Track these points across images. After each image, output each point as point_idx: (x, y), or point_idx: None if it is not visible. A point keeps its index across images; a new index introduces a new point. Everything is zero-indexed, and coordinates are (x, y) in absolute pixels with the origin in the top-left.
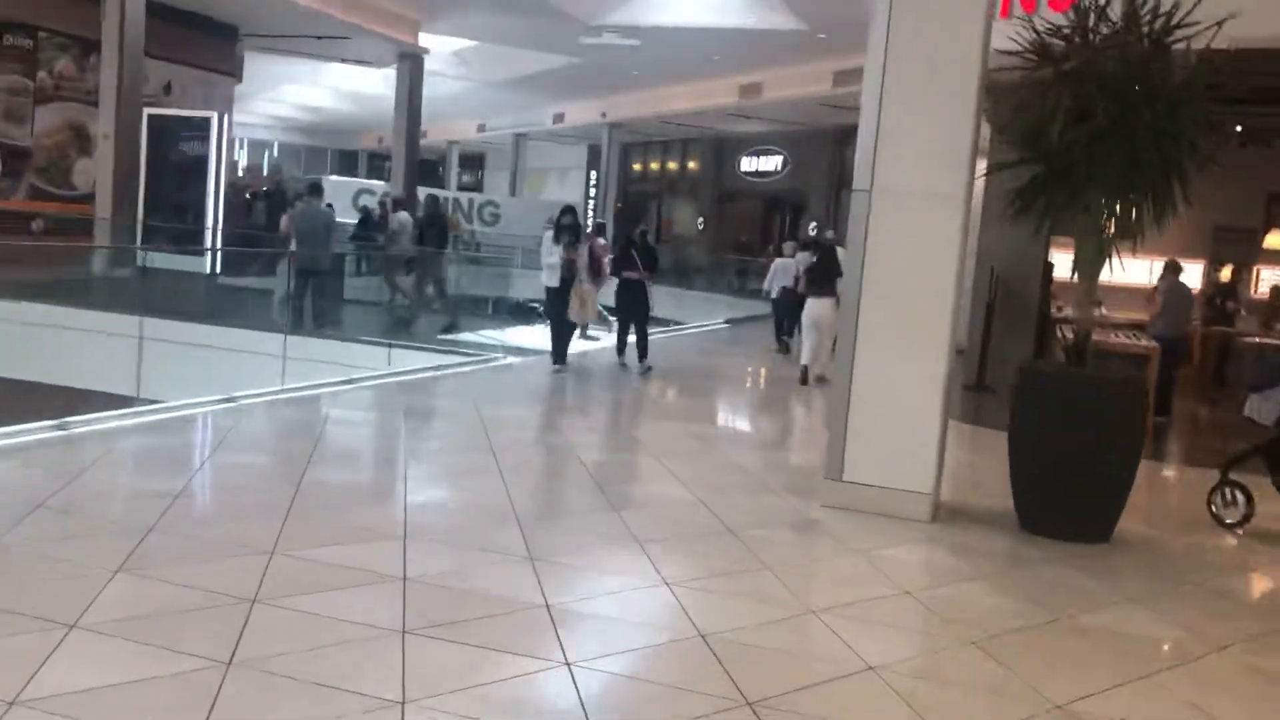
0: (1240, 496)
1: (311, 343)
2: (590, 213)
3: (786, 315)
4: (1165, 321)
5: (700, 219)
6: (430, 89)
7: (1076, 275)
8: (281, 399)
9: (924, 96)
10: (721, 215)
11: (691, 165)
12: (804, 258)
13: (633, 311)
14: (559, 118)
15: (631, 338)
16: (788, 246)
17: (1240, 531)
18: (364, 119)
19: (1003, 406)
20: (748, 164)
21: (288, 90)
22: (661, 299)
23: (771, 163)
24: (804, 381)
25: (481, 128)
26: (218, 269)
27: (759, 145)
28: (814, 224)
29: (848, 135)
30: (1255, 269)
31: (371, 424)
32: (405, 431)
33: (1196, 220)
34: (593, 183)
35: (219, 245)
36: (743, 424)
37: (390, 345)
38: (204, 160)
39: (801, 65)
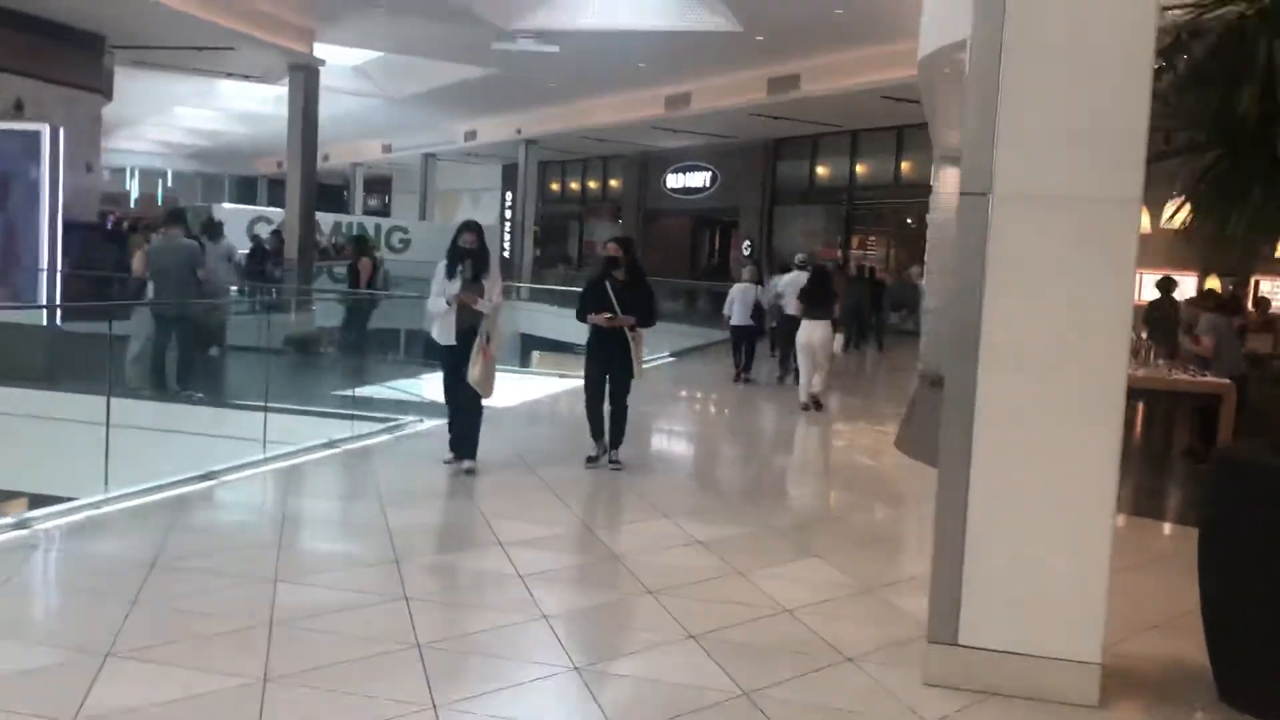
0: None
1: (165, 410)
2: (506, 236)
3: (745, 341)
4: (1227, 354)
5: None
6: (330, 107)
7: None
8: (103, 514)
9: (1071, 54)
10: (648, 236)
11: (614, 183)
12: (790, 279)
13: (606, 373)
14: (470, 135)
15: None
16: (746, 271)
17: None
18: (261, 142)
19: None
20: (674, 181)
21: (180, 114)
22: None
23: (699, 179)
24: (805, 408)
25: (387, 148)
26: (56, 319)
27: (686, 161)
28: (747, 243)
29: (782, 148)
30: (1254, 280)
31: (221, 573)
32: (272, 601)
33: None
34: (508, 204)
35: (47, 288)
36: (761, 508)
37: (268, 409)
38: (33, 184)
39: (733, 73)
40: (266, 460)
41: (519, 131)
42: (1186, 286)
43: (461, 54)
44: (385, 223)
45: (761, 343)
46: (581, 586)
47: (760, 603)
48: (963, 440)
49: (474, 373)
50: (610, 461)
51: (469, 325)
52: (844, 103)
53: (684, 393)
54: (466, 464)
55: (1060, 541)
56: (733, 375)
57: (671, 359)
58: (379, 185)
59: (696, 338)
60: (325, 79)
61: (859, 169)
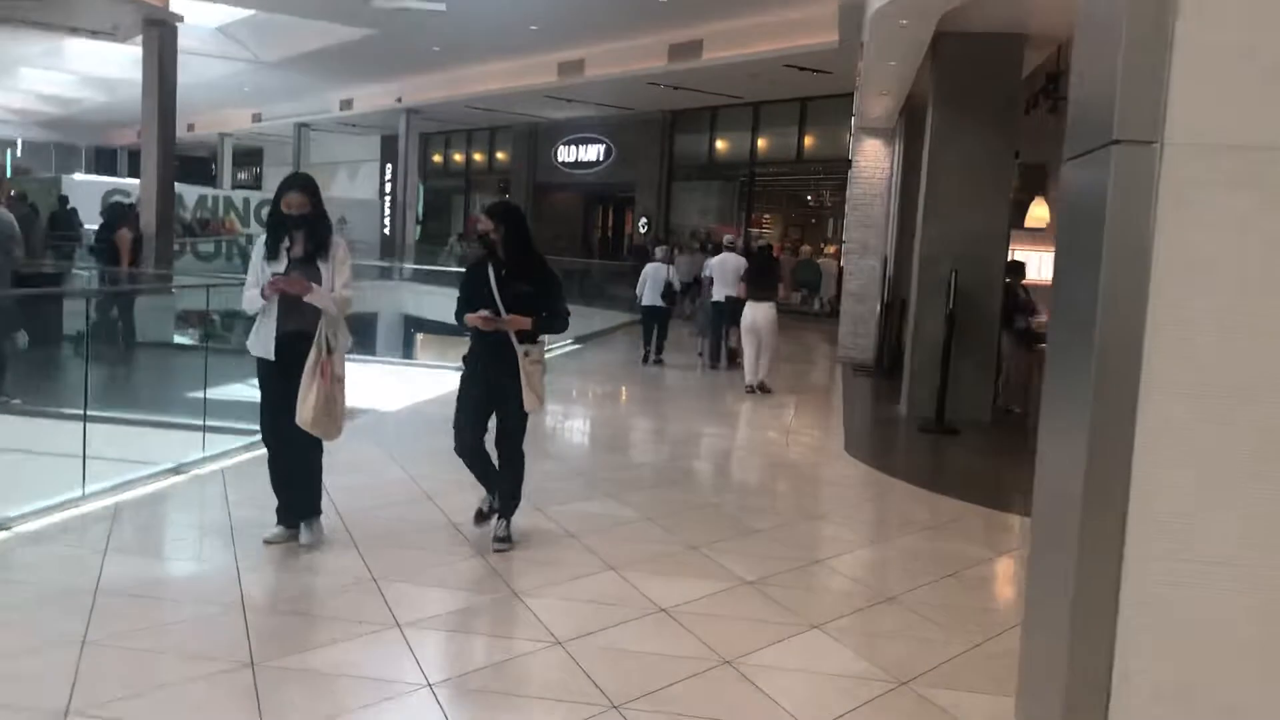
0: None
1: None
2: (388, 211)
3: (656, 322)
4: None
5: None
6: (193, 72)
7: None
8: None
9: None
10: (538, 211)
11: (501, 156)
12: (720, 261)
13: (487, 402)
14: (347, 104)
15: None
16: (658, 250)
17: None
18: (119, 110)
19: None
20: (565, 154)
21: (26, 76)
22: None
23: (593, 152)
24: (750, 391)
25: (257, 117)
26: None
27: (579, 133)
28: (644, 220)
29: (680, 121)
30: None
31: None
32: None
33: None
34: (388, 177)
35: None
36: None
37: (87, 419)
38: None
39: (632, 38)
40: (84, 499)
41: (399, 100)
42: None
43: (337, 13)
44: (255, 196)
45: (683, 325)
46: None
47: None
48: (1110, 488)
49: (304, 410)
50: (495, 540)
51: (297, 329)
52: (747, 72)
53: (603, 387)
54: (304, 537)
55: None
56: (641, 357)
57: (575, 346)
58: (250, 157)
59: (599, 321)
60: (187, 41)
61: (760, 143)
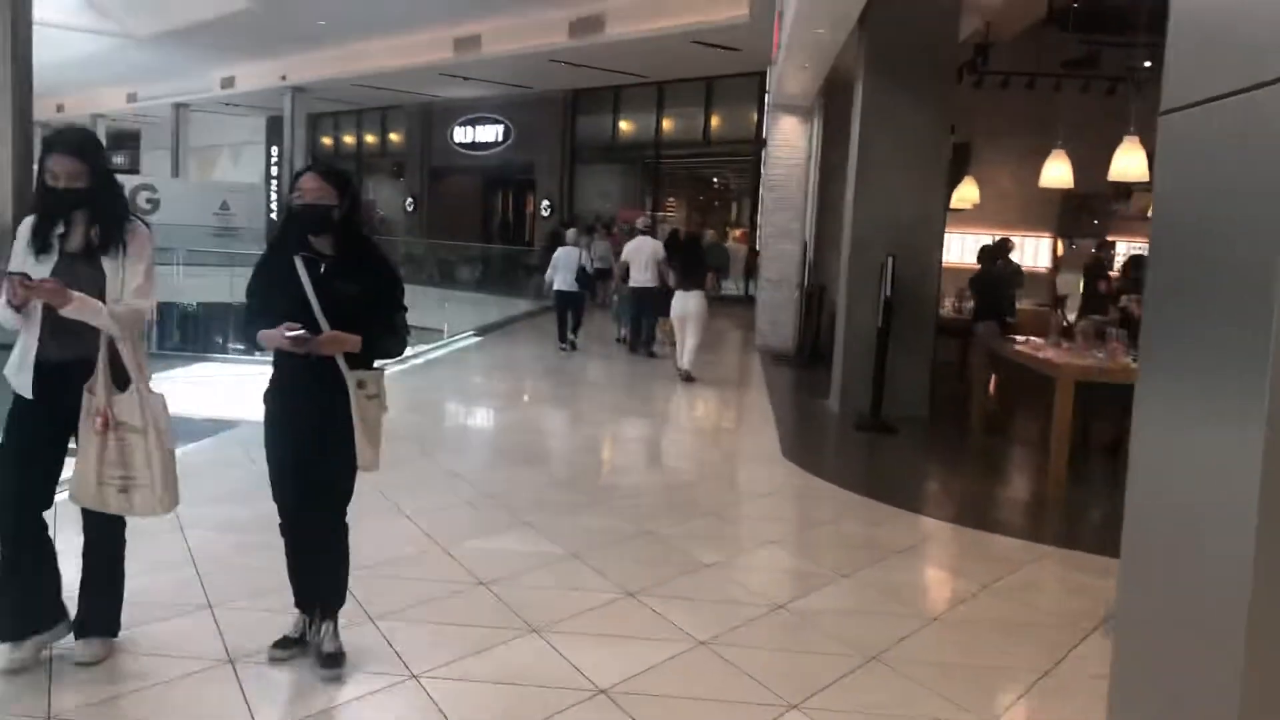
0: None
1: None
2: (274, 196)
3: (571, 307)
4: None
5: (409, 200)
6: (61, 47)
7: None
8: None
9: None
10: (434, 195)
11: (395, 138)
12: (636, 245)
13: (297, 456)
14: (228, 82)
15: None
16: (570, 234)
17: None
18: None
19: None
20: (462, 135)
21: None
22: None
23: (491, 133)
24: (685, 380)
25: (132, 97)
26: None
27: (475, 113)
28: (546, 202)
29: (582, 100)
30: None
31: None
32: None
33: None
34: (274, 160)
35: None
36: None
37: None
38: None
39: (531, 13)
40: None
41: (284, 78)
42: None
43: None
44: (131, 180)
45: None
46: None
47: None
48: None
49: (79, 481)
50: (323, 663)
51: (76, 355)
52: (652, 49)
53: (511, 385)
54: (81, 652)
55: None
56: (558, 347)
57: (475, 338)
58: (126, 140)
59: (498, 311)
60: (49, 13)
61: (665, 124)
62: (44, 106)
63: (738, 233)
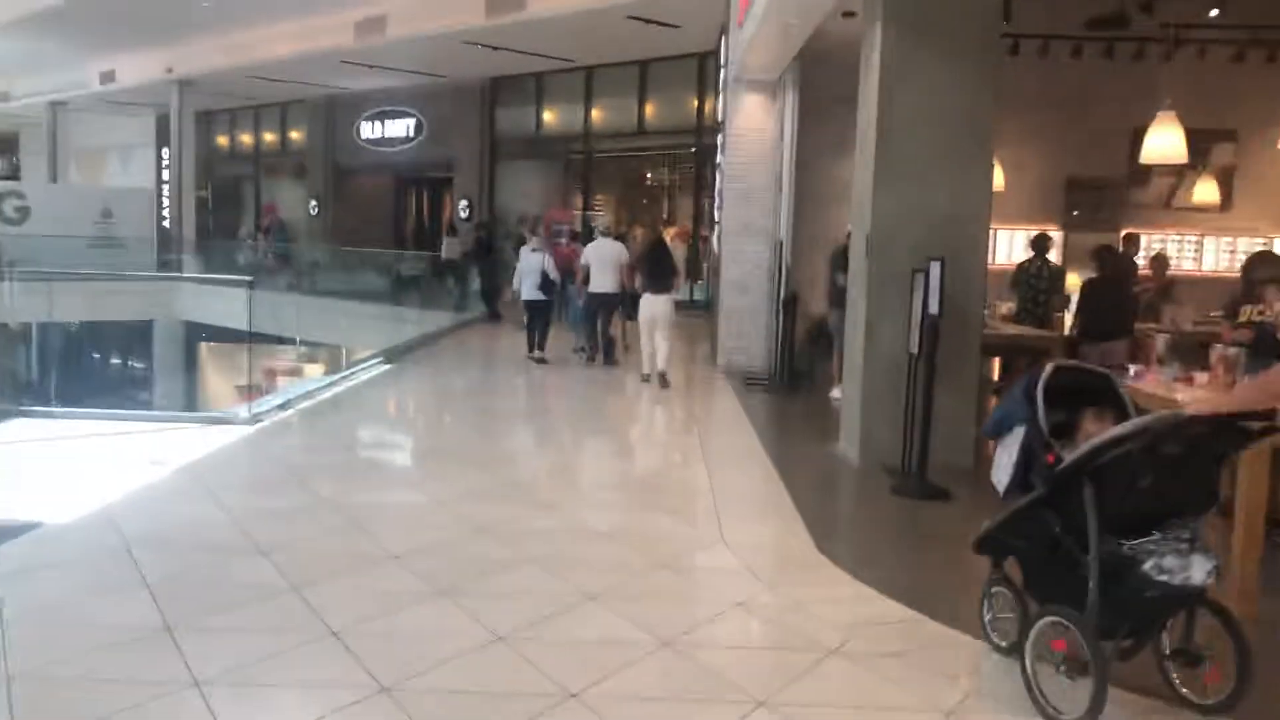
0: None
1: None
2: (164, 199)
3: (539, 316)
4: None
5: (313, 202)
6: None
7: None
8: None
9: None
10: (340, 196)
11: (295, 135)
12: (595, 248)
13: None
14: (108, 76)
15: None
16: (534, 240)
17: None
18: None
19: None
20: (369, 130)
21: None
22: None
23: (401, 127)
24: (662, 385)
25: (3, 95)
26: None
27: (383, 106)
28: (464, 202)
29: (502, 90)
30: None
31: None
32: None
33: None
34: (165, 162)
35: None
36: None
37: None
38: None
39: None
40: None
41: (170, 70)
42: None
43: None
44: None
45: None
46: None
47: None
48: None
49: None
50: None
51: None
52: (581, 27)
53: (437, 437)
54: None
55: None
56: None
57: (384, 365)
58: (4, 144)
59: (414, 327)
60: None
61: (595, 114)
62: None
63: (671, 231)
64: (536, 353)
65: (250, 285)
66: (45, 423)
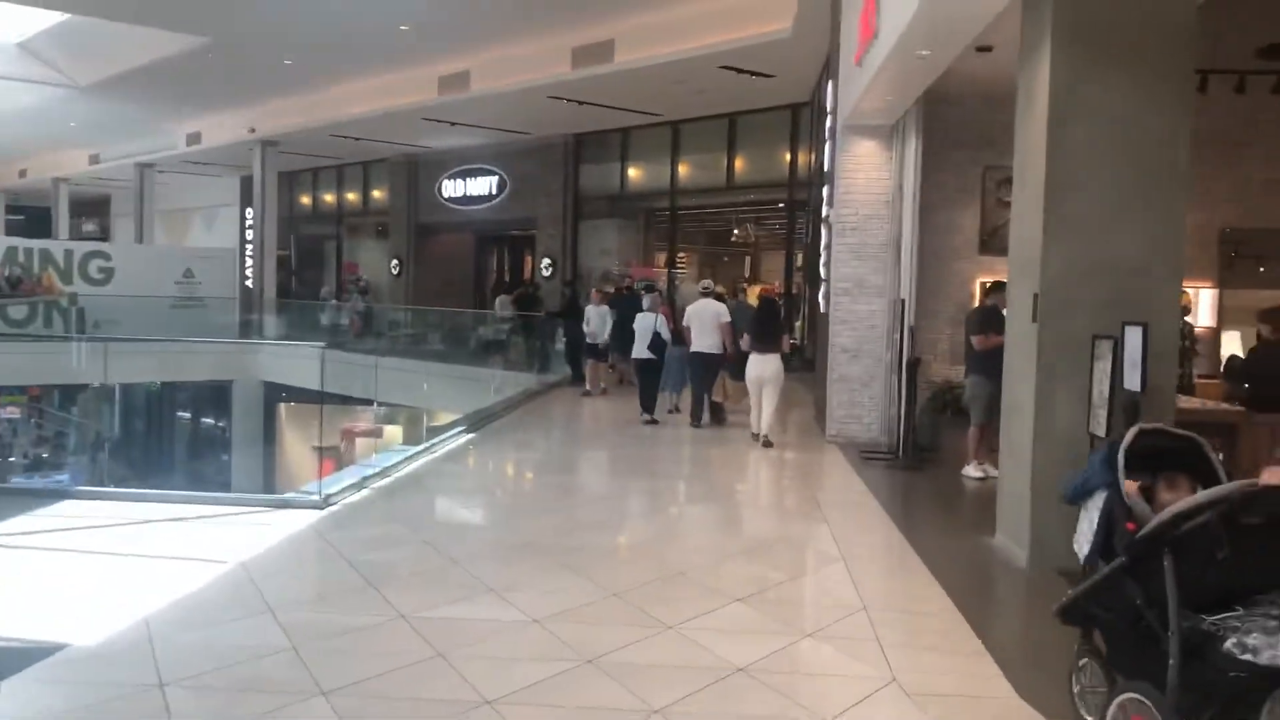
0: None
1: None
2: (247, 259)
3: (650, 376)
4: None
5: (394, 261)
6: (2, 103)
7: None
8: None
9: None
10: (422, 255)
11: (377, 194)
12: (697, 309)
13: None
14: (194, 138)
15: None
16: (647, 300)
17: None
18: None
19: None
20: (452, 188)
21: None
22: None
23: (484, 185)
24: (764, 445)
25: (95, 159)
26: None
27: (466, 164)
28: (547, 260)
29: (586, 146)
30: None
31: None
32: None
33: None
34: (249, 223)
35: None
36: None
37: None
38: None
39: (526, 41)
40: None
41: (252, 130)
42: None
43: (152, 12)
44: (81, 248)
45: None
46: None
47: None
48: None
49: None
50: None
51: None
52: (669, 78)
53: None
54: None
55: None
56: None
57: (466, 435)
58: (95, 207)
59: (500, 387)
60: None
61: (681, 169)
62: (5, 172)
63: (756, 289)
64: (646, 415)
65: (323, 350)
66: (95, 506)
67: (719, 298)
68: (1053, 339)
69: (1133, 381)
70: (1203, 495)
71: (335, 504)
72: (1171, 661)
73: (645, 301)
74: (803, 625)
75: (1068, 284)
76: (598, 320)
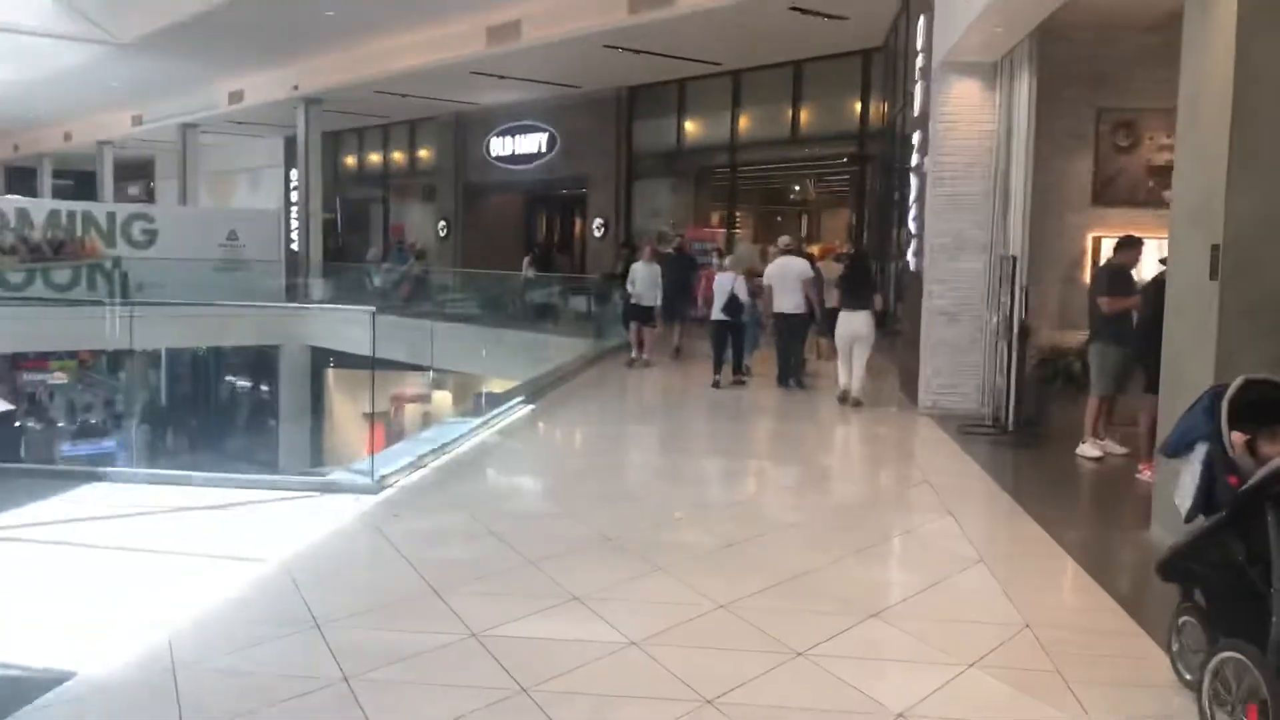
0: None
1: None
2: (294, 221)
3: (723, 337)
4: None
5: (442, 223)
6: (41, 61)
7: None
8: None
9: None
10: (470, 217)
11: (424, 154)
12: (778, 267)
13: None
14: (237, 96)
15: None
16: (727, 260)
17: None
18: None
19: None
20: (500, 146)
21: None
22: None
23: (533, 143)
24: (843, 400)
25: (137, 120)
26: None
27: (515, 120)
28: (599, 220)
29: (640, 100)
30: None
31: None
32: None
33: None
34: (293, 184)
35: None
36: None
37: None
38: None
39: None
40: None
41: (296, 88)
42: None
43: None
44: (123, 210)
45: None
46: None
47: None
48: None
49: None
50: None
51: None
52: (732, 21)
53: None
54: None
55: None
56: (711, 381)
57: (525, 406)
58: (140, 169)
59: (556, 353)
60: (20, 16)
61: (742, 122)
62: (50, 136)
63: (817, 249)
64: (718, 378)
65: (373, 314)
66: (123, 490)
67: (806, 256)
68: (1238, 301)
69: None
70: None
71: (390, 486)
72: (1275, 619)
73: (726, 261)
74: (960, 650)
75: (1261, 236)
76: (646, 279)
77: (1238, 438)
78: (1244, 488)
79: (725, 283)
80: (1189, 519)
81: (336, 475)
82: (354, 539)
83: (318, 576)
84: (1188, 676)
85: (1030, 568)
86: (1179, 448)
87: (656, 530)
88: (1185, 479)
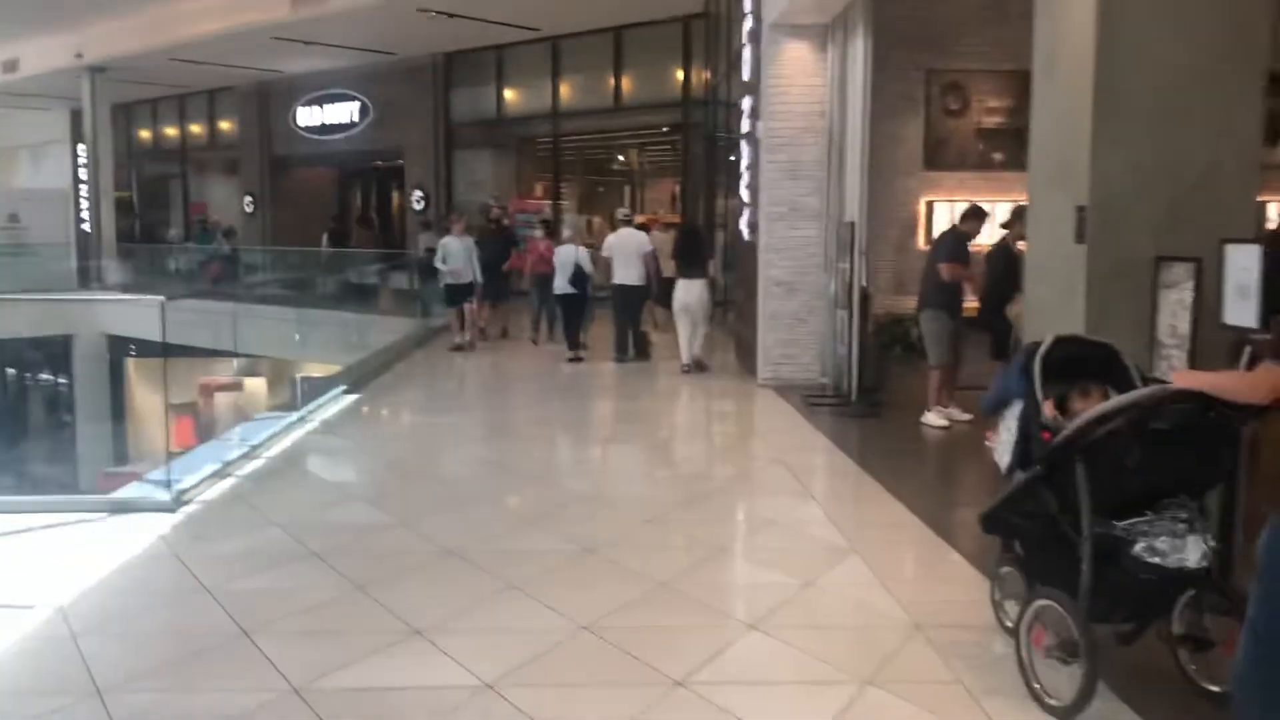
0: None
1: None
2: (84, 200)
3: (574, 313)
4: None
5: (248, 198)
6: None
7: None
8: None
9: None
10: (278, 192)
11: (225, 126)
12: (619, 239)
13: None
14: (11, 65)
15: None
16: (566, 230)
17: None
18: None
19: None
20: (307, 116)
21: None
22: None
23: (344, 112)
24: (686, 371)
25: None
26: None
27: (323, 89)
28: (418, 193)
29: (457, 68)
30: None
31: None
32: None
33: None
34: (81, 160)
35: None
36: None
37: None
38: None
39: None
40: None
41: (79, 55)
42: None
43: None
44: None
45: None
46: None
47: None
48: None
49: None
50: None
51: None
52: None
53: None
54: None
55: None
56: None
57: (347, 395)
58: None
59: (377, 334)
60: None
61: (563, 90)
62: None
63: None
64: (570, 354)
65: (163, 304)
66: None
67: (640, 228)
68: (1105, 262)
69: (1242, 315)
70: (1113, 402)
71: (190, 502)
72: (1084, 566)
73: (565, 233)
74: (853, 664)
75: (1125, 195)
76: (460, 254)
77: (1048, 407)
78: (1054, 442)
79: (568, 254)
80: (1008, 474)
81: (127, 492)
82: (147, 570)
83: (102, 623)
84: (1008, 624)
85: (905, 556)
86: (997, 406)
87: (504, 538)
88: (1004, 435)
